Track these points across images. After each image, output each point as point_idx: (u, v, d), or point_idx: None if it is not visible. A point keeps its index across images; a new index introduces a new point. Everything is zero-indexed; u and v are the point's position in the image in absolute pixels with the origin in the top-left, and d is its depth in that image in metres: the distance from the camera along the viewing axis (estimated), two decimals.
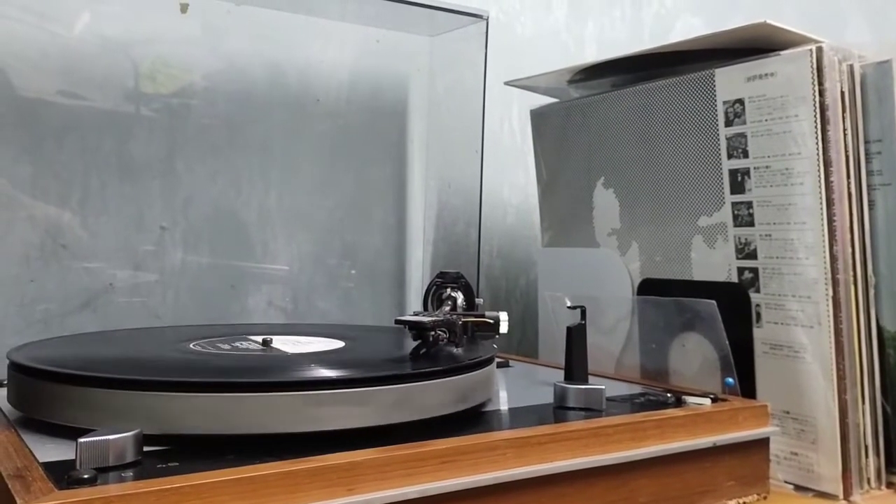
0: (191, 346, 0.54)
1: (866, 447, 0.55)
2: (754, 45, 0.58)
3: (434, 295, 0.61)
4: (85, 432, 0.36)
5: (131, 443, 0.36)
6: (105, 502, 0.31)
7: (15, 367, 0.45)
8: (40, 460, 0.36)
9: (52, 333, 0.63)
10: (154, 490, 0.32)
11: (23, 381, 0.44)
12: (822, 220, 0.55)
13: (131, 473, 0.35)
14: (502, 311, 0.57)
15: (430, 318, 0.51)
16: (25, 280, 0.67)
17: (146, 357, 0.52)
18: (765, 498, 0.52)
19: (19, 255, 0.67)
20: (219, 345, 0.55)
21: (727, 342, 0.58)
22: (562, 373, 0.55)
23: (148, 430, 0.37)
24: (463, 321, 0.54)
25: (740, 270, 0.60)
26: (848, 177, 0.56)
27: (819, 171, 0.55)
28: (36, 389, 0.43)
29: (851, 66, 0.57)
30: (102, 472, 0.34)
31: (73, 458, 0.35)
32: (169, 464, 0.36)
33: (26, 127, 0.68)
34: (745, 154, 0.59)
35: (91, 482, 0.33)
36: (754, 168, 0.58)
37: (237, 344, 0.55)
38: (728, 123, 0.60)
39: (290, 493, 0.35)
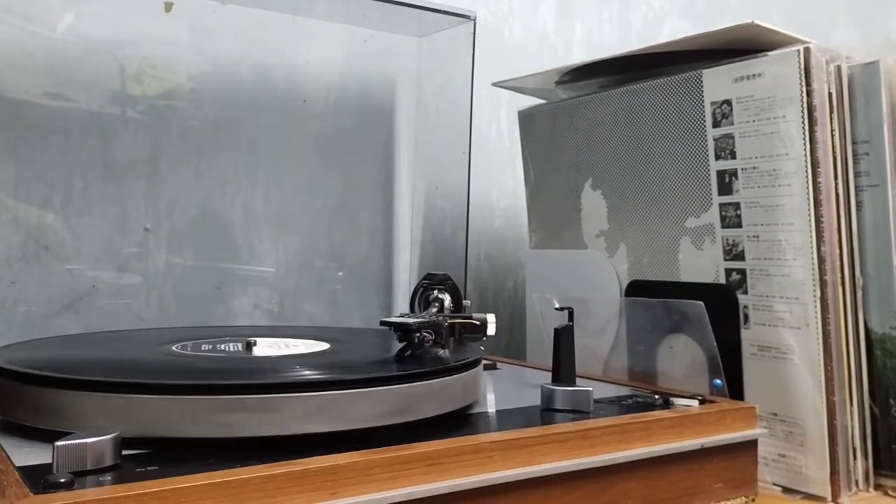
0: (172, 348, 0.53)
1: (854, 449, 0.55)
2: (742, 45, 0.58)
3: (421, 297, 0.61)
4: (63, 435, 0.35)
5: (110, 446, 0.35)
6: None
7: None
8: (16, 464, 0.36)
9: (34, 336, 0.62)
10: (133, 494, 0.32)
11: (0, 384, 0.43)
12: (810, 221, 0.55)
13: (109, 477, 0.34)
14: (490, 313, 0.56)
15: (415, 320, 0.51)
16: (7, 282, 0.66)
17: (126, 359, 0.51)
18: (753, 500, 0.52)
19: (1, 256, 0.66)
20: (201, 347, 0.54)
21: (715, 344, 0.58)
22: (549, 375, 0.55)
23: (127, 433, 0.37)
24: (449, 323, 0.54)
25: (728, 272, 0.59)
26: (836, 178, 0.56)
27: (807, 171, 0.55)
28: (12, 392, 0.42)
29: (839, 67, 0.57)
30: (80, 476, 0.33)
31: (51, 461, 0.34)
32: (148, 467, 0.35)
33: (9, 128, 0.67)
34: (733, 155, 0.59)
35: (68, 486, 0.32)
36: (742, 169, 0.58)
37: (220, 346, 0.55)
38: (715, 124, 0.60)
39: (272, 497, 0.34)
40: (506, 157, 0.95)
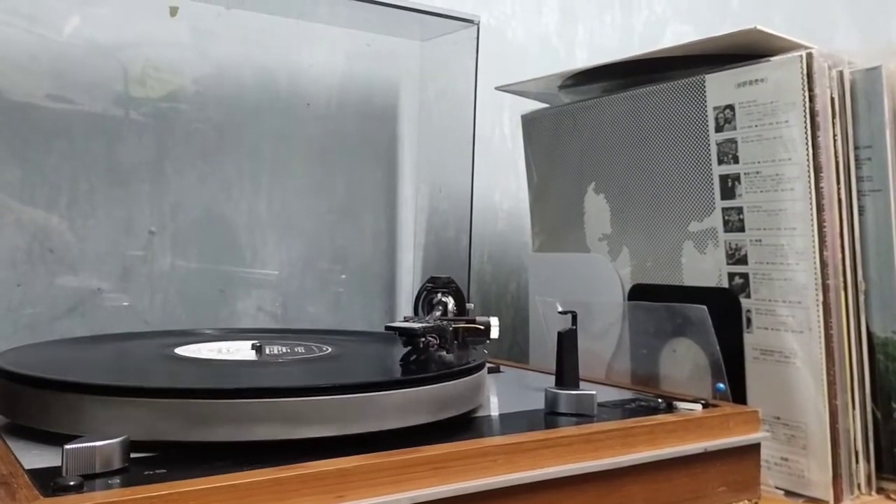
0: (177, 351, 0.54)
1: (857, 453, 0.56)
2: (745, 50, 0.59)
3: (425, 300, 0.61)
4: (71, 439, 0.35)
5: (118, 449, 0.35)
6: None
7: (0, 373, 0.45)
8: (26, 467, 0.36)
9: (39, 338, 0.62)
10: (141, 497, 0.32)
11: (8, 387, 0.44)
12: (813, 225, 0.55)
13: (118, 480, 0.34)
14: (493, 316, 0.56)
15: (420, 325, 0.51)
16: (12, 284, 0.67)
17: (132, 362, 0.51)
18: None
19: (6, 259, 0.67)
20: (207, 350, 0.54)
21: (718, 347, 0.58)
22: (553, 378, 0.55)
23: (135, 436, 0.37)
24: (454, 327, 0.54)
25: (731, 276, 0.60)
26: (838, 182, 0.56)
27: (809, 176, 0.55)
28: (21, 395, 0.42)
29: (841, 72, 0.57)
30: (89, 479, 0.33)
31: (60, 464, 0.34)
32: (156, 471, 0.35)
33: (15, 130, 0.68)
34: (736, 160, 0.59)
35: (77, 489, 0.32)
36: (745, 174, 0.58)
37: (226, 349, 0.55)
38: (718, 129, 0.60)
39: (279, 500, 0.34)
40: (509, 160, 0.95)
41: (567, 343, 0.55)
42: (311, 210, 0.81)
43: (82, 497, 0.32)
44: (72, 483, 0.32)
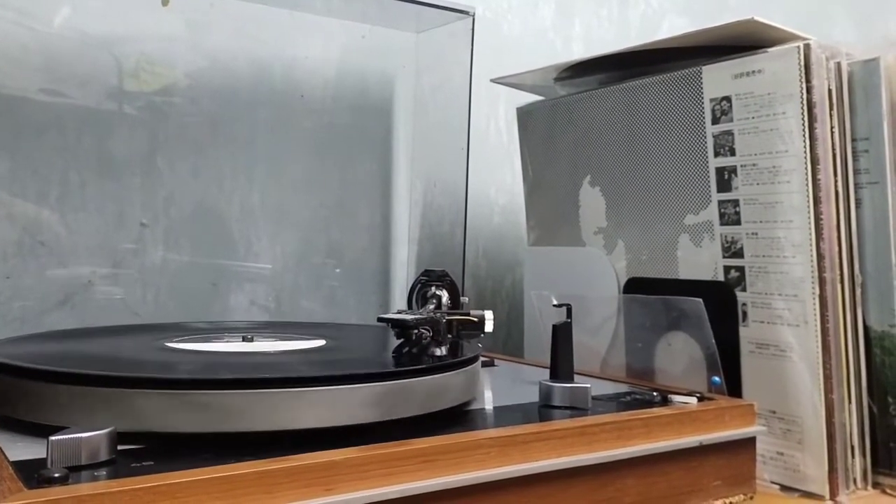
0: (167, 343, 0.53)
1: (853, 447, 0.55)
2: (742, 42, 0.58)
3: (419, 293, 0.61)
4: (57, 430, 0.35)
5: (105, 441, 0.35)
6: (76, 502, 0.30)
7: None
8: (10, 459, 0.35)
9: (29, 331, 0.62)
10: (127, 489, 0.31)
11: None
12: (809, 218, 0.54)
13: (104, 472, 0.34)
14: (488, 310, 0.56)
15: (413, 317, 0.51)
16: (1, 277, 0.66)
17: (120, 354, 0.51)
18: (751, 498, 0.51)
19: None
20: (196, 343, 0.54)
21: (713, 341, 0.58)
22: (547, 372, 0.55)
23: (122, 428, 0.37)
24: (447, 320, 0.54)
25: (727, 269, 0.59)
26: (835, 175, 0.56)
27: (806, 169, 0.54)
28: (7, 386, 0.42)
29: (839, 64, 0.57)
30: (74, 471, 0.33)
31: (45, 456, 0.34)
32: (143, 463, 0.35)
33: (5, 123, 0.67)
34: (732, 152, 0.58)
35: (62, 481, 0.32)
36: (741, 166, 0.58)
37: (216, 342, 0.55)
38: (715, 121, 0.60)
39: (267, 492, 0.34)
40: (504, 153, 0.94)
41: (561, 336, 0.54)
42: (305, 203, 0.81)
43: (67, 489, 0.31)
44: (57, 475, 0.32)
